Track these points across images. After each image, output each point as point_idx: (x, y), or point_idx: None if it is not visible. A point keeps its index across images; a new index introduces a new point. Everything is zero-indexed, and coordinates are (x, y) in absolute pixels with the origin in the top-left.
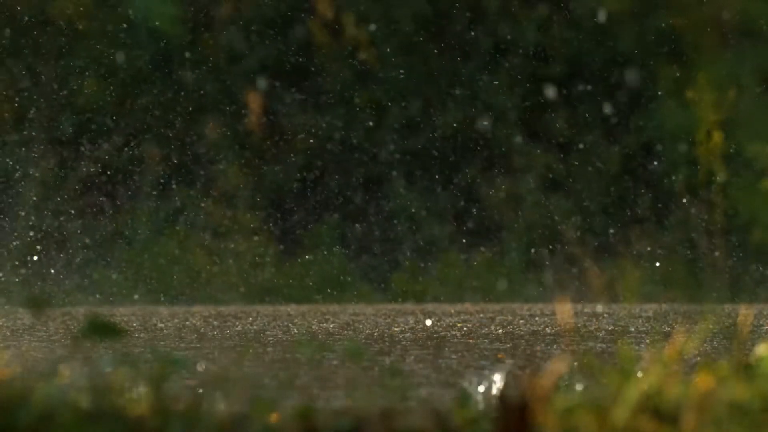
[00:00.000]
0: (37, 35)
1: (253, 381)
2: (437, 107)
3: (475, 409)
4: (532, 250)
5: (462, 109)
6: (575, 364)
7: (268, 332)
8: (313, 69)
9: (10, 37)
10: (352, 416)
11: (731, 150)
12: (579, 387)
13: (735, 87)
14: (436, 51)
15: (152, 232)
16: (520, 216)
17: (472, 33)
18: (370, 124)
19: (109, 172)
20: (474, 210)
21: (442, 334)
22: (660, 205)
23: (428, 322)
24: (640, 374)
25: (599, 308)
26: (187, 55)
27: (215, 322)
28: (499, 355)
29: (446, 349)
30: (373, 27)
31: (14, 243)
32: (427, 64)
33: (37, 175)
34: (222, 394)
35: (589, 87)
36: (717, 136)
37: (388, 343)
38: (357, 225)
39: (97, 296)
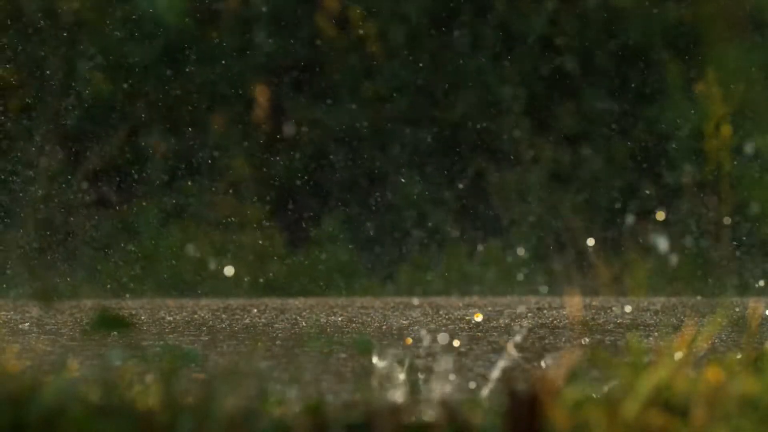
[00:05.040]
0: (45, 27)
1: (263, 374)
2: (444, 100)
3: (485, 403)
4: (540, 243)
5: (469, 102)
6: (585, 357)
7: (276, 325)
8: (320, 62)
9: (17, 29)
10: (362, 410)
11: (740, 143)
12: (588, 380)
13: (744, 80)
14: (443, 43)
15: (160, 224)
16: (528, 209)
17: (480, 25)
18: (377, 116)
19: (116, 165)
20: (482, 202)
21: (451, 327)
22: (668, 198)
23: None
24: (649, 367)
25: (607, 301)
26: (195, 47)
27: (223, 315)
28: (508, 349)
29: (455, 342)
30: (379, 20)
31: (21, 236)
32: (433, 57)
33: (44, 167)
34: (231, 387)
35: (597, 80)
36: (725, 130)
37: (396, 337)
38: (364, 218)
39: (105, 288)
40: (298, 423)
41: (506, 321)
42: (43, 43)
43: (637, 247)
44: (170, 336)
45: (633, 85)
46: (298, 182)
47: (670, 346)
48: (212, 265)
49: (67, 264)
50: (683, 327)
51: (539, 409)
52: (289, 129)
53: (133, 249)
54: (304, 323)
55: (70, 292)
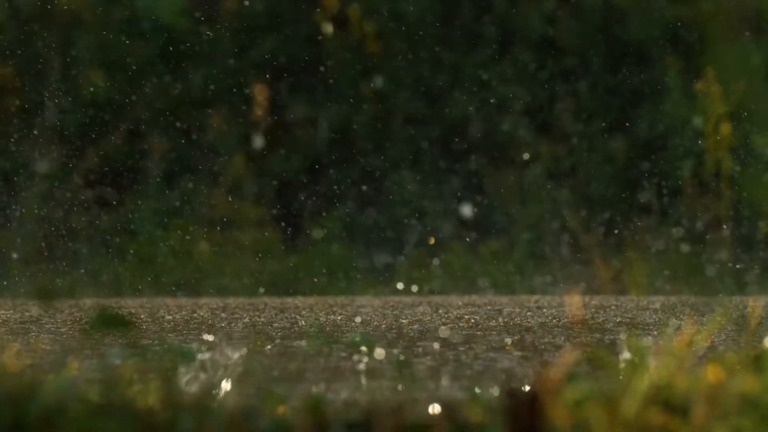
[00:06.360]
0: (42, 26)
1: (262, 373)
2: (443, 99)
3: (485, 402)
4: (539, 242)
5: (468, 101)
6: (584, 355)
7: (275, 324)
8: (319, 60)
9: (14, 28)
10: (362, 409)
11: (739, 142)
12: (588, 379)
13: (743, 78)
14: (442, 42)
15: (159, 224)
16: (528, 207)
17: (479, 24)
18: (376, 115)
19: (115, 164)
20: (481, 201)
21: (450, 326)
22: (667, 197)
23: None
24: (649, 366)
25: (607, 300)
26: (193, 46)
27: (223, 314)
28: (507, 347)
29: (454, 341)
30: (379, 19)
31: (21, 235)
32: (433, 56)
33: (43, 166)
34: (231, 386)
35: (597, 78)
36: (725, 128)
37: (396, 335)
38: (363, 216)
39: (105, 288)
40: (298, 421)
41: (505, 320)
42: (42, 42)
43: (636, 246)
44: (170, 335)
45: (632, 83)
46: (298, 181)
47: (669, 344)
48: (212, 265)
49: (67, 263)
50: (683, 326)
51: (539, 408)
52: (287, 128)
53: (132, 248)
54: (303, 322)
55: (70, 292)
